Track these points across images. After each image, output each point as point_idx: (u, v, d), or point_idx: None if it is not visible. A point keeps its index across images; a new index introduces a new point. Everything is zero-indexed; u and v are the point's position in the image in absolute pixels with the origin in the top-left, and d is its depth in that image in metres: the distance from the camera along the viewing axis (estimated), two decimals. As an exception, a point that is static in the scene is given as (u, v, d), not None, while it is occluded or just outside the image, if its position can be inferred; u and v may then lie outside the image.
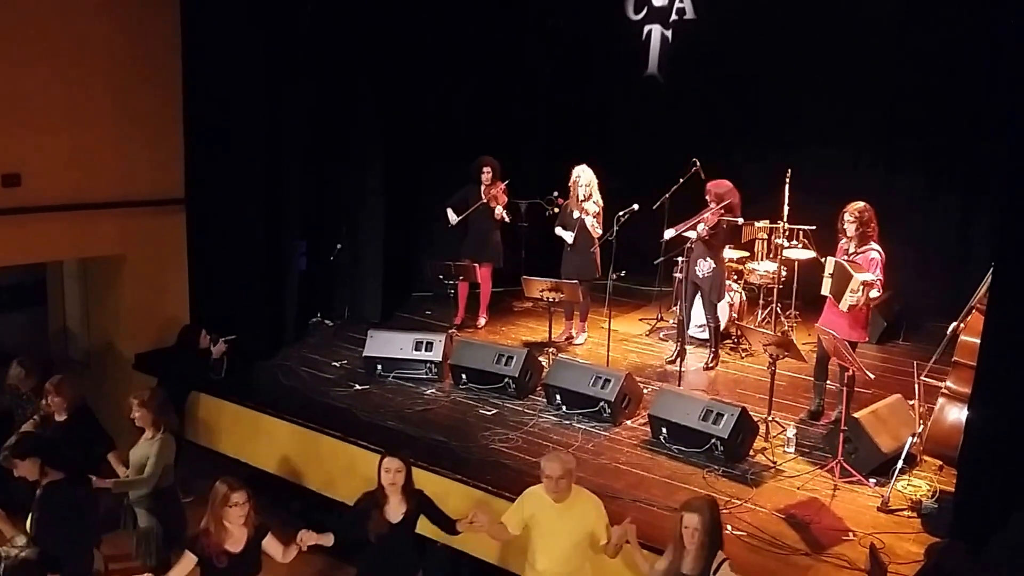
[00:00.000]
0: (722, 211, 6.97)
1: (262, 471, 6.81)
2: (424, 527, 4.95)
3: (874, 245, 6.05)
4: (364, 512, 4.68)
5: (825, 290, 6.12)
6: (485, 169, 8.01)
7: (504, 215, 8.06)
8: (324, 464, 6.42)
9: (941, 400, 5.41)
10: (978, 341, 5.00)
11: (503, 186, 8.07)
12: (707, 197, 7.04)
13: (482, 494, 5.46)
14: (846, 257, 6.08)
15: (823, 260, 6.33)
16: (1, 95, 6.91)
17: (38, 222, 7.18)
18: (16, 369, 6.28)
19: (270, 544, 4.60)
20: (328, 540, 4.65)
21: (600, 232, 7.50)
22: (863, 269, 5.96)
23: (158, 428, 5.66)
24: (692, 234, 7.08)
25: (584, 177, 7.49)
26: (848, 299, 5.93)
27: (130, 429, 7.58)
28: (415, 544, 4.92)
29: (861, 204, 6.08)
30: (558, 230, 7.71)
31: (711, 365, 7.37)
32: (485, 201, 7.97)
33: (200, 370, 7.04)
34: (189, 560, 4.38)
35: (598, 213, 7.50)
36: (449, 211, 8.03)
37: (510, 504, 4.84)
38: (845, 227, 6.10)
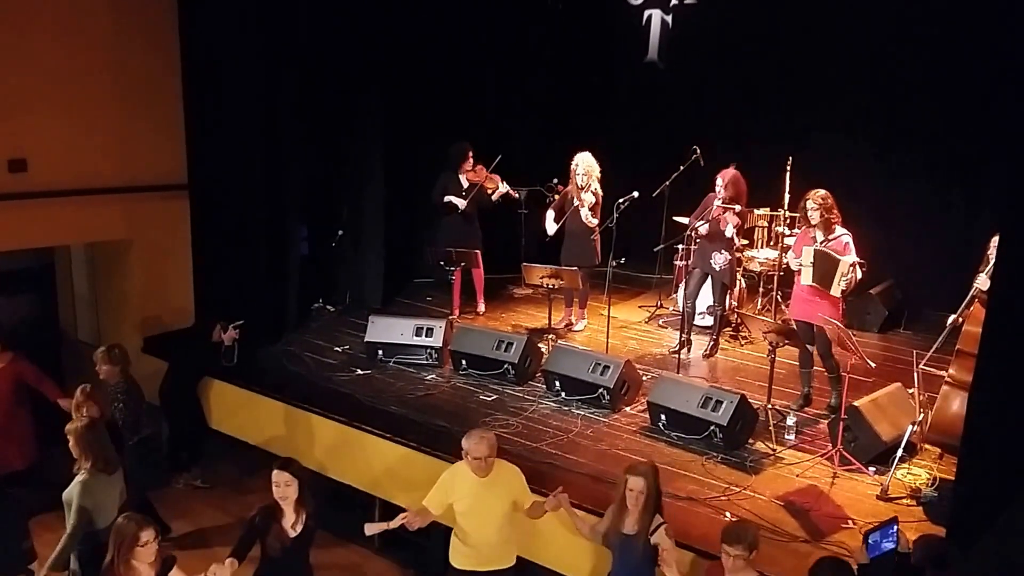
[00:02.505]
0: (742, 208, 6.99)
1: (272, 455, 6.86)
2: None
3: (841, 230, 6.08)
4: (258, 526, 4.56)
5: (807, 279, 6.12)
6: (468, 154, 7.98)
7: (510, 190, 8.04)
8: (327, 448, 6.46)
9: (944, 388, 5.43)
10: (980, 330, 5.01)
11: (484, 169, 8.03)
12: (723, 189, 6.97)
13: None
14: (818, 245, 6.08)
15: (799, 255, 6.24)
16: (7, 82, 6.96)
17: (44, 207, 7.23)
18: (102, 360, 6.05)
19: None
20: (232, 567, 4.34)
21: (595, 222, 7.49)
22: (843, 253, 5.99)
23: (86, 461, 4.89)
24: (701, 225, 7.07)
25: (582, 165, 7.45)
26: (840, 283, 5.95)
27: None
28: (308, 560, 4.79)
29: (822, 191, 6.08)
30: (548, 214, 7.66)
31: (710, 353, 7.39)
32: (474, 184, 7.93)
33: (211, 357, 7.08)
34: None
35: (594, 204, 7.48)
36: (454, 199, 8.01)
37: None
38: (809, 215, 6.08)
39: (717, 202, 6.99)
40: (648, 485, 4.37)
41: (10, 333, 6.74)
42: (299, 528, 4.60)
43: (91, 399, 5.51)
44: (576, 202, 7.49)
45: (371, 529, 4.78)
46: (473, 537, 4.69)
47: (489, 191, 8.01)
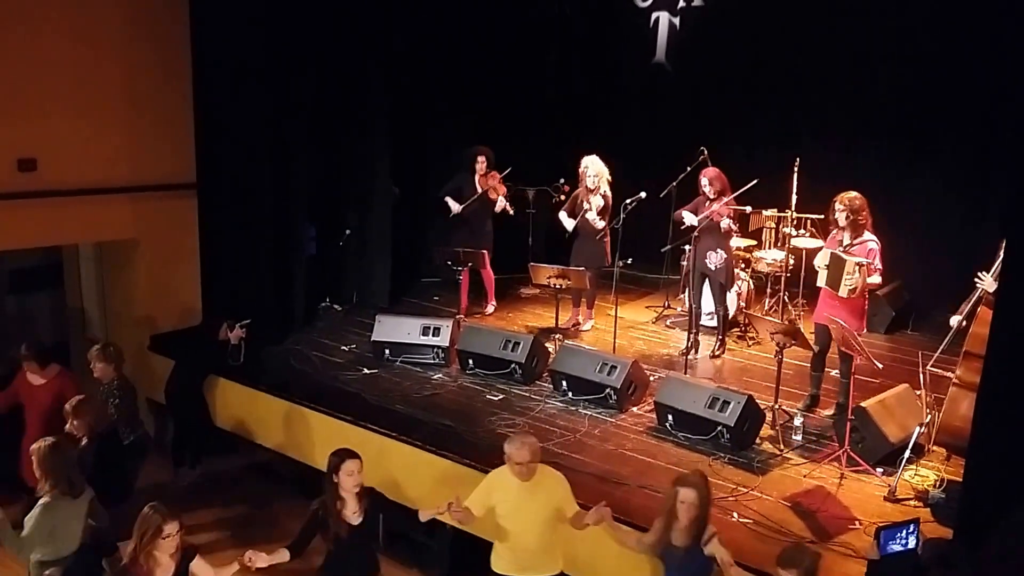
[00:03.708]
0: (732, 201, 6.97)
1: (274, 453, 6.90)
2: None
3: (870, 235, 6.01)
4: (320, 519, 4.59)
5: (821, 282, 6.11)
6: (480, 159, 8.02)
7: (508, 207, 8.05)
8: (334, 446, 6.46)
9: (952, 390, 5.42)
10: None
11: (499, 176, 8.06)
12: (708, 188, 6.99)
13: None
14: (841, 248, 6.06)
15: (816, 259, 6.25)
16: (17, 82, 6.99)
17: (53, 206, 7.26)
18: (96, 359, 6.04)
19: (200, 567, 4.34)
20: (283, 557, 4.50)
21: (601, 225, 7.50)
22: (861, 257, 5.95)
23: (47, 484, 4.73)
24: (691, 218, 7.05)
25: (592, 168, 7.48)
26: (846, 283, 5.90)
27: (143, 414, 7.66)
28: (377, 544, 4.87)
29: (852, 193, 6.02)
30: (562, 214, 7.70)
31: (717, 353, 7.38)
32: (482, 192, 7.97)
33: (218, 356, 7.11)
34: None
35: (602, 207, 7.50)
36: (450, 200, 8.03)
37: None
38: (836, 217, 6.05)
39: (716, 206, 6.94)
40: (700, 496, 4.27)
41: (44, 349, 6.54)
42: (360, 518, 4.62)
43: (82, 411, 5.43)
44: (586, 204, 7.50)
45: (424, 516, 4.77)
46: (513, 542, 4.66)
47: (492, 200, 8.02)
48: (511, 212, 8.13)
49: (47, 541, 4.69)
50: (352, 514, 4.61)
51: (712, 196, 7.00)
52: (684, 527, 4.29)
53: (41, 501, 4.68)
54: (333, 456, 4.64)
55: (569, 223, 7.63)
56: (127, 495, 5.55)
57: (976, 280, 5.51)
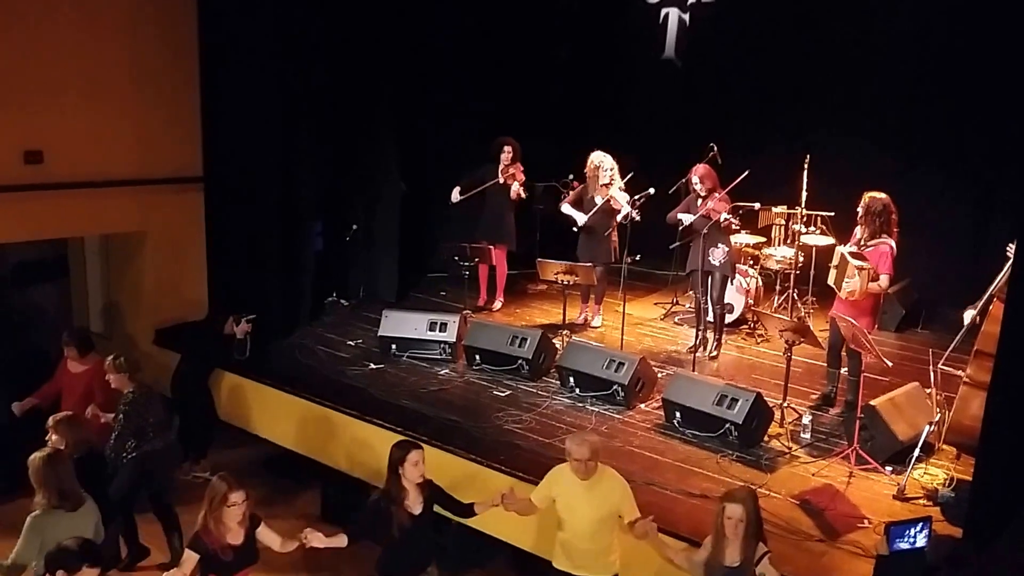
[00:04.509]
0: (727, 197, 6.93)
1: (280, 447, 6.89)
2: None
3: (887, 239, 5.95)
4: (383, 509, 4.64)
5: (830, 281, 6.09)
6: (506, 148, 7.99)
7: (521, 192, 8.03)
8: (340, 441, 6.46)
9: (962, 388, 5.38)
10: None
11: (521, 167, 8.05)
12: (699, 186, 6.95)
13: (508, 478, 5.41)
14: (857, 247, 6.03)
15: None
16: (23, 74, 6.98)
17: (60, 198, 7.25)
18: (109, 371, 5.90)
19: (265, 534, 4.55)
20: (341, 541, 4.59)
21: (631, 211, 7.36)
22: (866, 260, 5.90)
23: (41, 496, 4.59)
24: (688, 218, 7.01)
25: (607, 162, 7.46)
26: (846, 285, 5.90)
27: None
28: (433, 534, 4.89)
29: (882, 195, 5.98)
30: (565, 207, 7.64)
31: (714, 354, 7.27)
32: (501, 181, 7.94)
33: (223, 350, 7.09)
34: (192, 558, 4.36)
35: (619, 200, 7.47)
36: (456, 189, 8.01)
37: (533, 488, 4.88)
38: (858, 218, 6.06)
39: (710, 203, 6.89)
40: (747, 512, 4.12)
41: (84, 338, 6.54)
42: (420, 508, 4.66)
43: (61, 430, 5.20)
44: (599, 200, 7.45)
45: (480, 509, 4.80)
46: (569, 539, 4.66)
47: (508, 185, 7.97)
48: (523, 196, 8.08)
49: (40, 556, 4.33)
50: (414, 504, 4.66)
51: (703, 193, 6.98)
52: (733, 545, 4.15)
53: (30, 516, 4.52)
54: (396, 448, 4.70)
55: (580, 216, 7.57)
56: (110, 516, 5.28)
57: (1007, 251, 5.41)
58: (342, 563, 5.80)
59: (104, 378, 6.00)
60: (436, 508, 4.81)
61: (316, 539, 4.48)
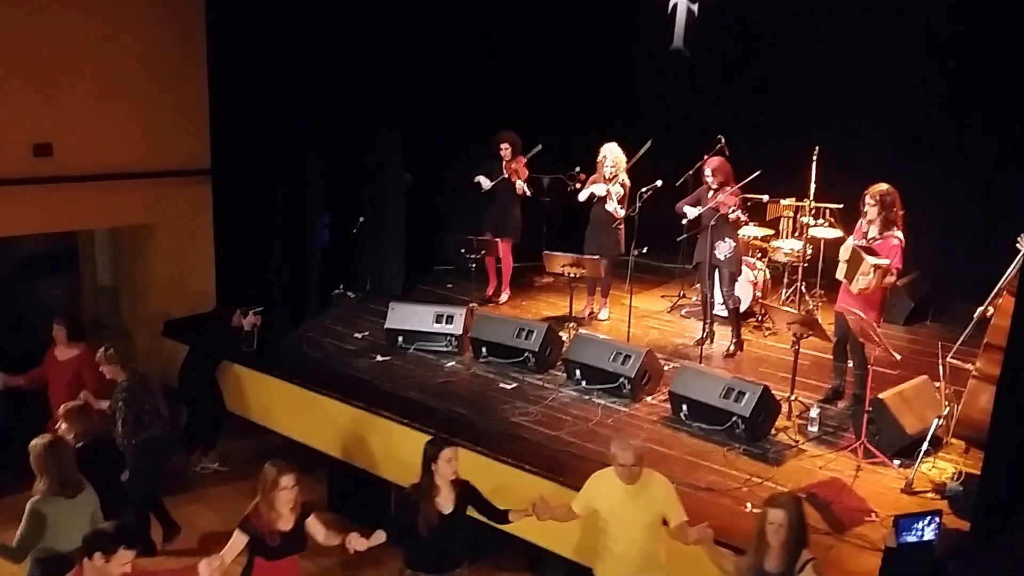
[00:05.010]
0: (738, 190, 6.89)
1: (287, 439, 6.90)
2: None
3: (897, 232, 5.88)
4: (414, 505, 4.63)
5: (840, 275, 6.04)
6: (503, 145, 7.98)
7: (526, 189, 8.01)
8: (346, 433, 6.48)
9: (972, 382, 5.34)
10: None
11: (524, 160, 8.02)
12: (710, 178, 6.90)
13: (547, 483, 5.34)
14: (865, 241, 5.96)
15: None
16: (33, 67, 7.02)
17: (69, 191, 7.28)
18: (102, 363, 6.03)
19: (313, 524, 4.58)
20: (380, 538, 4.62)
21: (622, 214, 7.44)
22: (878, 254, 5.83)
23: (41, 482, 4.62)
24: (693, 211, 6.97)
25: (611, 156, 7.42)
26: (859, 281, 5.83)
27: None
28: (466, 534, 4.82)
29: (884, 187, 5.90)
30: (582, 196, 7.61)
31: (732, 352, 7.19)
32: (506, 176, 7.93)
33: (231, 342, 7.11)
34: (240, 539, 4.40)
35: (622, 196, 7.44)
36: (481, 178, 8.00)
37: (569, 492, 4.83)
38: (866, 210, 5.94)
39: (720, 196, 6.85)
40: (790, 518, 3.99)
41: (78, 323, 6.62)
42: (451, 507, 4.63)
43: (71, 419, 5.27)
44: (603, 193, 7.44)
45: (515, 516, 4.72)
46: (615, 546, 4.51)
47: (513, 182, 7.96)
48: (528, 193, 8.06)
49: (43, 542, 4.53)
50: (445, 503, 4.63)
51: (715, 186, 6.91)
52: (775, 551, 4.02)
53: (30, 501, 4.55)
54: (430, 445, 4.68)
55: (585, 193, 7.51)
56: (118, 508, 5.30)
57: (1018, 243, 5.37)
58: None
59: (95, 366, 6.10)
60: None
61: (359, 543, 4.53)
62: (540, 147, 8.03)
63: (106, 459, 5.42)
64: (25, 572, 4.64)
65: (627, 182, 7.48)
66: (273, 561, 4.44)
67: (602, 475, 4.60)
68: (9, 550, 4.49)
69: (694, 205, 7.07)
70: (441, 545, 4.64)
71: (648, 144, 7.50)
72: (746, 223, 7.20)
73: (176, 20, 7.70)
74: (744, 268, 7.46)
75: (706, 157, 7.30)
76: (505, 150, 7.97)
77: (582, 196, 7.59)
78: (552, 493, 5.01)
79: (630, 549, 4.49)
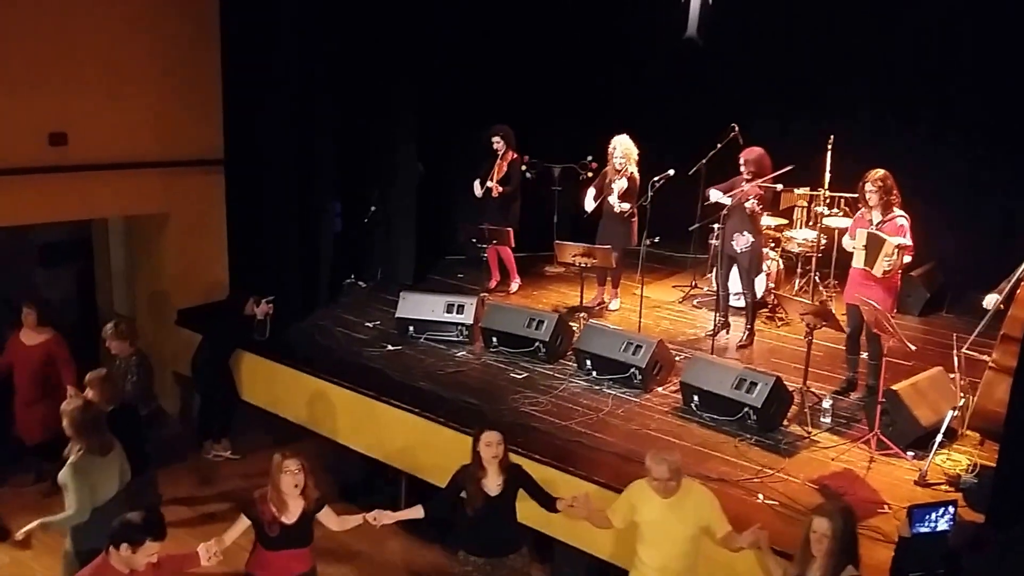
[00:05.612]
0: (764, 182, 6.82)
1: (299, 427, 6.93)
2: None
3: (899, 211, 5.93)
4: (459, 487, 4.66)
5: (859, 263, 5.99)
6: (495, 139, 7.97)
7: (500, 189, 7.94)
8: (357, 422, 6.49)
9: (988, 374, 5.28)
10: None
11: (516, 155, 8.01)
12: (743, 168, 6.83)
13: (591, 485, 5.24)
14: (873, 227, 5.96)
15: (854, 237, 6.11)
16: (48, 57, 7.03)
17: (83, 180, 7.31)
18: (111, 337, 6.16)
19: (326, 515, 4.61)
20: (417, 513, 4.66)
21: (625, 207, 7.40)
22: (894, 234, 5.86)
23: (78, 443, 4.83)
24: (723, 199, 6.89)
25: (620, 148, 7.38)
26: (883, 264, 5.82)
27: (169, 387, 7.73)
28: (515, 518, 4.81)
29: (881, 172, 5.93)
30: (589, 193, 7.61)
31: (745, 343, 7.15)
32: (507, 171, 7.93)
33: (244, 330, 7.14)
34: (242, 523, 4.45)
35: (625, 189, 7.41)
36: (476, 184, 8.05)
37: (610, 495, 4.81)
38: (868, 197, 5.96)
39: (746, 187, 6.78)
40: (835, 528, 3.78)
41: (52, 310, 6.78)
42: (499, 490, 4.65)
43: (98, 386, 5.38)
44: (613, 186, 7.40)
45: (561, 505, 4.67)
46: (655, 559, 4.40)
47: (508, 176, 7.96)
48: (497, 192, 7.96)
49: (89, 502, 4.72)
50: (493, 485, 4.65)
51: (748, 177, 6.83)
52: (818, 562, 3.83)
53: (71, 462, 4.71)
54: (476, 427, 4.78)
55: (590, 204, 7.56)
56: (145, 467, 5.57)
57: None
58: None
59: (66, 348, 6.26)
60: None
61: (384, 517, 4.60)
62: (527, 157, 8.16)
63: (130, 424, 5.56)
64: (69, 547, 4.77)
65: (636, 175, 7.43)
66: (270, 552, 4.45)
67: (639, 487, 4.46)
68: (67, 517, 4.64)
69: (725, 192, 6.96)
70: (489, 527, 4.67)
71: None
72: (760, 215, 7.13)
73: (190, 10, 7.70)
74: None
75: (747, 148, 7.06)
76: (498, 143, 7.96)
77: (588, 207, 7.60)
78: (562, 485, 4.99)
79: (669, 563, 4.38)
